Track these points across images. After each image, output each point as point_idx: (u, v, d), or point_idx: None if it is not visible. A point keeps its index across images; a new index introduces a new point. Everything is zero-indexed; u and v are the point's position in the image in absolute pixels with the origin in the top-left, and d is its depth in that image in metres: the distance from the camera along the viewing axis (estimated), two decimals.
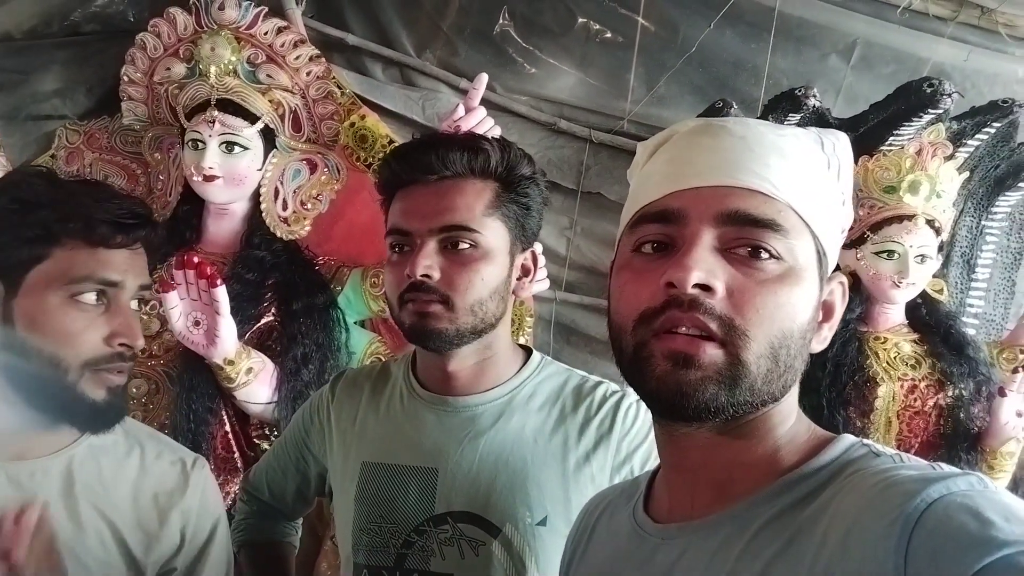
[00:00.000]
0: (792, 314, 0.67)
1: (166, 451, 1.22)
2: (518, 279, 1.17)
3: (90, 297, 1.05)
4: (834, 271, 0.75)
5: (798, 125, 1.90)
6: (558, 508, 1.09)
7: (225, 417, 1.82)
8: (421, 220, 1.08)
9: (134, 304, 1.10)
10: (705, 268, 0.65)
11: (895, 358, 1.86)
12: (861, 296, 1.90)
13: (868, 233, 1.86)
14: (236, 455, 1.84)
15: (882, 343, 1.89)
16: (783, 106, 1.89)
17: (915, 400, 1.83)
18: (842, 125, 1.92)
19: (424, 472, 1.12)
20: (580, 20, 2.30)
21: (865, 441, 0.69)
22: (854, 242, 1.88)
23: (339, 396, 1.27)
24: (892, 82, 2.03)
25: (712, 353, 0.65)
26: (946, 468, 0.60)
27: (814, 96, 1.86)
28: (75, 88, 2.30)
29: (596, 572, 0.83)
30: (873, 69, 2.22)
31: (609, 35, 2.30)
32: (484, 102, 2.19)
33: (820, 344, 0.74)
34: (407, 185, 1.11)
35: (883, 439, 1.80)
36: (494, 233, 1.11)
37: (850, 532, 0.57)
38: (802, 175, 0.70)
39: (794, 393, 0.72)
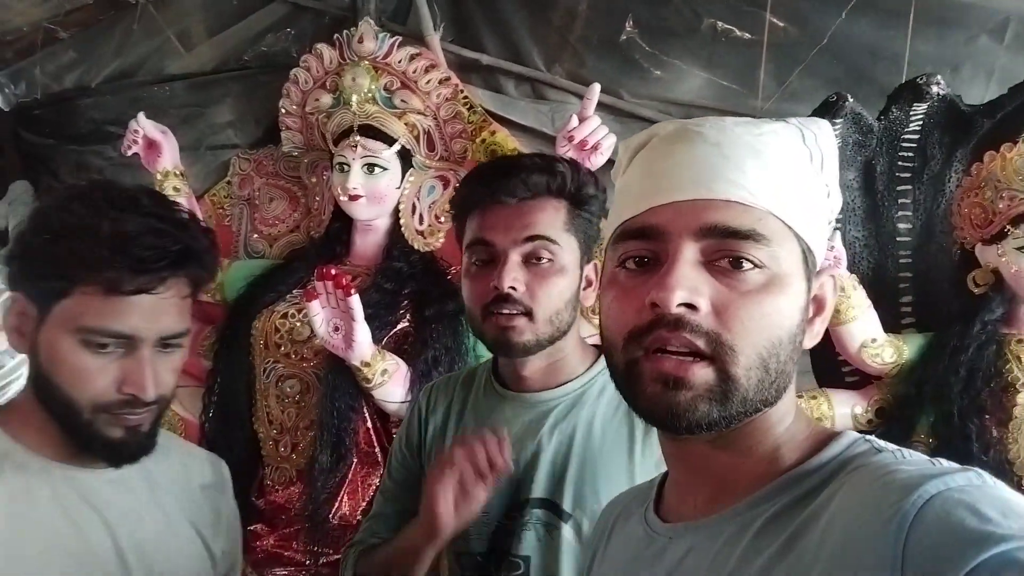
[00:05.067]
0: (779, 322, 0.68)
1: (193, 449, 1.29)
2: (583, 289, 1.24)
3: (103, 344, 1.00)
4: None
5: (925, 115, 1.81)
6: None
7: (367, 415, 2.00)
8: (505, 234, 1.17)
9: (156, 352, 1.03)
10: (688, 286, 0.66)
11: None
12: (1003, 295, 1.74)
13: (1009, 227, 1.70)
14: (377, 449, 2.01)
15: None
16: (906, 96, 1.79)
17: None
18: (976, 112, 1.79)
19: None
20: (706, 20, 2.26)
21: (867, 437, 0.68)
22: (994, 237, 1.73)
23: (431, 400, 1.38)
24: None
25: (701, 373, 0.66)
26: (945, 464, 0.59)
27: (937, 83, 1.74)
28: (246, 119, 2.60)
29: (611, 574, 0.86)
30: None
31: (736, 33, 2.25)
32: (611, 109, 2.26)
33: (812, 340, 0.74)
34: (487, 205, 1.21)
35: None
36: (569, 248, 1.20)
37: (849, 528, 0.57)
38: (782, 175, 0.70)
39: (791, 393, 0.72)
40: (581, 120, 1.87)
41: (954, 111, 1.80)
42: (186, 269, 1.03)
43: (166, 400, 1.07)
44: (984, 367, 1.69)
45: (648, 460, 1.17)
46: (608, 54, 2.36)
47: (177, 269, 1.02)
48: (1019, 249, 1.70)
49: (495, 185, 1.19)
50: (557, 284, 1.18)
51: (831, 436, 0.71)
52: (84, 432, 1.02)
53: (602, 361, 1.24)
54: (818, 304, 0.74)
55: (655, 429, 1.14)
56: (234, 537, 1.28)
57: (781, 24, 2.20)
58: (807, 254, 0.71)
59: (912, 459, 0.62)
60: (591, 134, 1.87)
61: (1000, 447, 1.64)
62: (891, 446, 0.66)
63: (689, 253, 0.68)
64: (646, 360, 0.68)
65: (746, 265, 0.67)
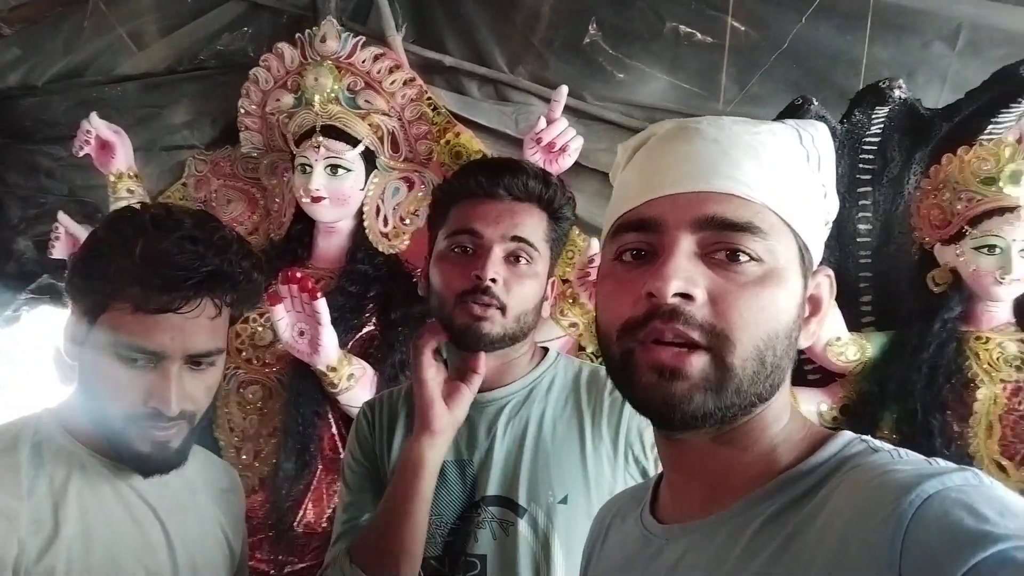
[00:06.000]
0: (776, 315, 0.67)
1: (210, 455, 1.34)
2: (543, 300, 1.27)
3: (133, 358, 1.04)
4: (820, 265, 0.75)
5: (887, 118, 1.85)
6: (578, 486, 1.17)
7: (332, 420, 1.96)
8: (495, 228, 1.19)
9: (185, 368, 1.07)
10: (684, 276, 0.66)
11: (998, 359, 1.74)
12: (962, 294, 1.80)
13: (967, 228, 1.75)
14: (342, 456, 1.97)
15: (984, 343, 1.78)
16: (868, 99, 1.83)
17: (1020, 403, 1.71)
18: (935, 116, 1.84)
19: (459, 464, 1.23)
20: (669, 24, 2.28)
21: (863, 437, 0.68)
22: (953, 238, 1.78)
23: (377, 412, 1.35)
24: (1003, 66, 1.91)
25: (697, 362, 0.65)
26: (942, 463, 0.59)
27: (899, 88, 1.79)
28: (202, 120, 2.54)
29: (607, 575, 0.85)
30: (982, 54, 2.07)
31: (698, 37, 2.27)
32: (575, 111, 2.26)
33: (807, 339, 0.73)
34: (478, 197, 1.22)
35: (984, 444, 1.70)
36: (544, 256, 1.24)
37: (847, 529, 0.57)
38: (779, 173, 0.70)
39: (785, 392, 0.72)
40: (549, 122, 1.87)
41: (914, 114, 1.85)
42: (214, 291, 1.06)
43: (196, 416, 1.11)
44: (945, 364, 1.73)
45: (599, 452, 1.19)
46: (571, 56, 2.36)
47: (204, 290, 1.05)
48: (977, 249, 1.75)
49: (494, 179, 1.21)
50: (531, 286, 1.21)
51: (827, 436, 0.70)
52: (116, 441, 1.08)
53: (548, 359, 1.30)
54: (814, 304, 0.74)
55: (605, 422, 1.20)
56: (245, 539, 1.35)
57: (742, 28, 2.23)
58: (804, 251, 0.71)
59: (909, 458, 0.62)
60: (559, 136, 1.87)
61: (961, 442, 1.69)
62: (887, 446, 0.66)
63: (686, 245, 0.68)
64: (642, 351, 0.68)
65: (743, 258, 0.67)
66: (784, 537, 0.63)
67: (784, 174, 0.71)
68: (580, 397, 1.25)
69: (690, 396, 0.65)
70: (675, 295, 0.65)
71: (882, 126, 1.88)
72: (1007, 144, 1.74)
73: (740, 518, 0.67)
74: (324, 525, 1.95)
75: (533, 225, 1.22)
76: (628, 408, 1.18)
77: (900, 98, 1.81)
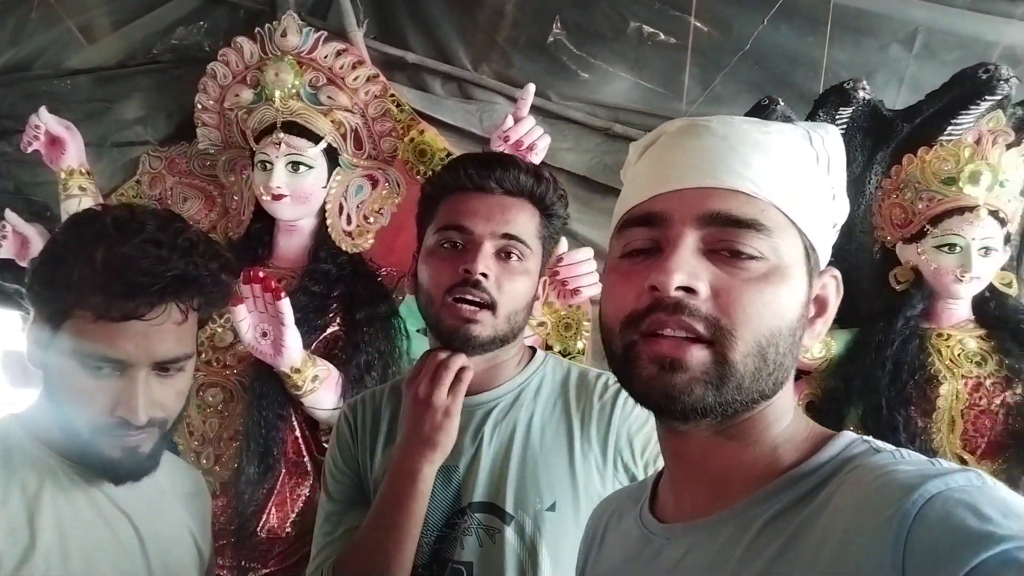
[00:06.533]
0: (779, 312, 0.67)
1: (175, 459, 1.32)
2: (534, 301, 1.24)
3: (98, 366, 1.01)
4: (828, 265, 0.74)
5: (850, 119, 1.87)
6: (566, 494, 1.15)
7: (295, 423, 1.92)
8: (485, 223, 1.16)
9: (153, 375, 1.04)
10: (687, 270, 0.66)
11: (959, 355, 1.79)
12: (923, 292, 1.84)
13: (928, 227, 1.79)
14: (306, 459, 1.93)
15: (945, 340, 1.83)
16: (832, 100, 1.86)
17: (980, 398, 1.76)
18: (897, 117, 1.87)
19: (445, 470, 1.18)
20: (632, 24, 2.29)
21: (865, 438, 0.68)
22: (914, 236, 1.82)
23: (358, 414, 1.32)
24: (957, 69, 1.94)
25: (698, 355, 0.65)
26: (945, 464, 0.60)
27: (863, 89, 1.82)
28: (156, 115, 2.47)
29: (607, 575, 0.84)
30: (937, 57, 2.13)
31: (662, 37, 2.29)
32: (539, 110, 2.25)
33: (812, 339, 0.73)
34: (468, 191, 1.19)
35: (947, 439, 1.74)
36: (536, 254, 1.21)
37: (849, 529, 0.57)
38: (787, 172, 0.70)
39: (788, 391, 0.72)
40: (516, 120, 1.86)
41: (876, 115, 1.88)
42: (180, 295, 1.03)
43: (166, 422, 1.09)
44: (908, 360, 1.77)
45: (588, 459, 1.17)
46: (536, 55, 2.36)
47: (169, 295, 1.02)
48: (938, 247, 1.79)
49: (485, 171, 1.18)
50: (523, 283, 1.18)
51: (829, 436, 0.71)
52: (85, 448, 1.05)
53: (536, 361, 1.27)
54: (820, 304, 0.73)
55: (594, 428, 1.17)
56: (212, 543, 1.33)
57: (705, 29, 2.25)
58: (809, 251, 0.71)
59: (911, 459, 0.63)
60: (527, 134, 1.86)
61: (925, 436, 1.72)
62: (889, 446, 0.66)
63: (690, 240, 0.68)
64: (643, 343, 0.68)
65: (747, 254, 0.67)
66: (787, 537, 0.63)
67: (792, 173, 0.71)
68: (569, 400, 1.22)
69: (690, 388, 0.66)
70: (678, 288, 0.66)
71: (845, 127, 1.90)
72: (967, 145, 1.78)
73: (743, 517, 0.67)
74: (288, 530, 1.91)
75: (524, 221, 1.19)
76: (617, 414, 1.17)
77: (864, 99, 1.84)
